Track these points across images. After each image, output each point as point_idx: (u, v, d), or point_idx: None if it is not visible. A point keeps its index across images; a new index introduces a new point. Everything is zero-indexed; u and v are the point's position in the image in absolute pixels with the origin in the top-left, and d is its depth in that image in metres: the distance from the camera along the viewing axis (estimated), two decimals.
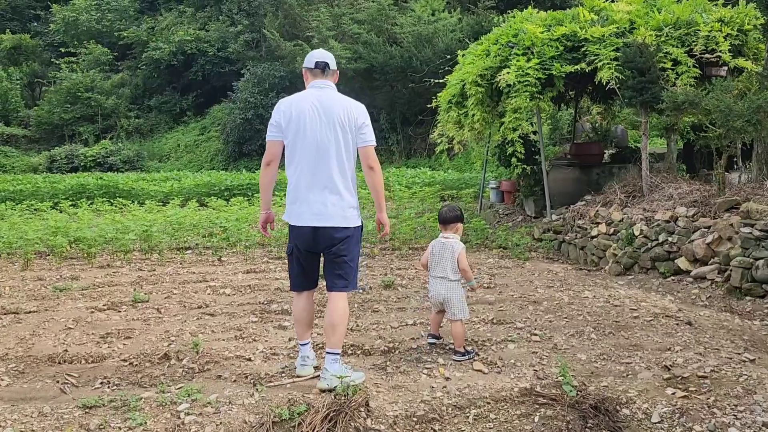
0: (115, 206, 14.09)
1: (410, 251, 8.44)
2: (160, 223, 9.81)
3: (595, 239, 7.86)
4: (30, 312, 5.54)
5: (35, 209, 13.63)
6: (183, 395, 3.41)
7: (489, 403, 3.25)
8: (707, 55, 7.57)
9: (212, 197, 14.68)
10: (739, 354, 4.08)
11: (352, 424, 3.03)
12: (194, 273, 7.25)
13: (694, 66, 7.71)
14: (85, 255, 8.07)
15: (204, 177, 17.66)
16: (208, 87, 30.39)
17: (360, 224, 3.72)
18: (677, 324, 4.80)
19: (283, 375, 3.81)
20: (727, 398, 3.24)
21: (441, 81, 11.46)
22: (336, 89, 3.79)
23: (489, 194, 12.48)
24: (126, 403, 3.33)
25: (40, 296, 6.15)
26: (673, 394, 3.34)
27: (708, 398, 3.25)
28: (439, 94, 11.06)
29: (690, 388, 3.43)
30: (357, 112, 3.68)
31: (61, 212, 13.02)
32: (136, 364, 4.10)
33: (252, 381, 3.72)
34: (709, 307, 5.56)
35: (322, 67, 3.73)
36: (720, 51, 7.60)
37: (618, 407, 3.14)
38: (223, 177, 17.23)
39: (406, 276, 6.76)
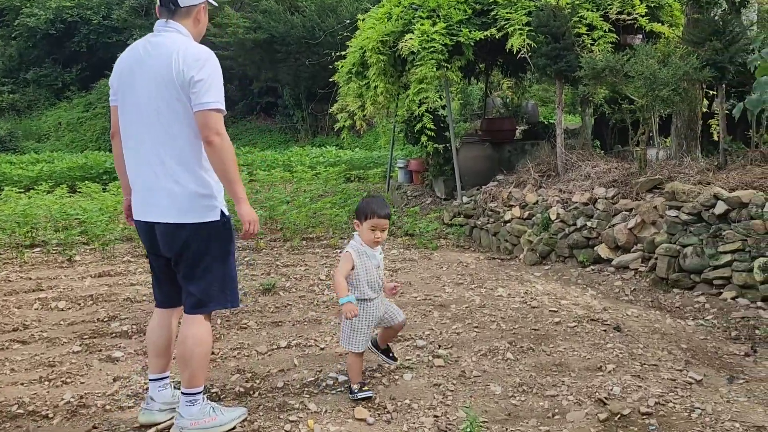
0: None
1: (304, 242, 7.36)
2: (6, 214, 8.18)
3: (508, 224, 7.09)
4: None
5: None
6: None
7: None
8: (624, 17, 6.89)
9: (87, 182, 12.89)
10: (681, 371, 3.33)
11: None
12: (30, 279, 5.84)
13: (610, 31, 7.03)
14: None
15: (80, 159, 15.64)
16: (95, 59, 27.53)
17: (219, 219, 2.65)
18: (605, 330, 4.03)
19: None
20: None
21: (344, 53, 10.34)
22: (184, 33, 2.66)
23: (397, 174, 11.56)
24: None
25: None
26: None
27: None
28: (338, 64, 9.94)
29: None
30: (188, 62, 2.54)
31: None
32: None
33: None
34: (635, 303, 4.87)
35: (165, 4, 2.65)
36: (636, 14, 6.95)
37: None
38: (101, 159, 15.29)
39: (292, 276, 5.68)
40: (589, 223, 6.01)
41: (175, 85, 2.53)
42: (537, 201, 6.90)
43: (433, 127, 7.78)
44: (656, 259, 5.24)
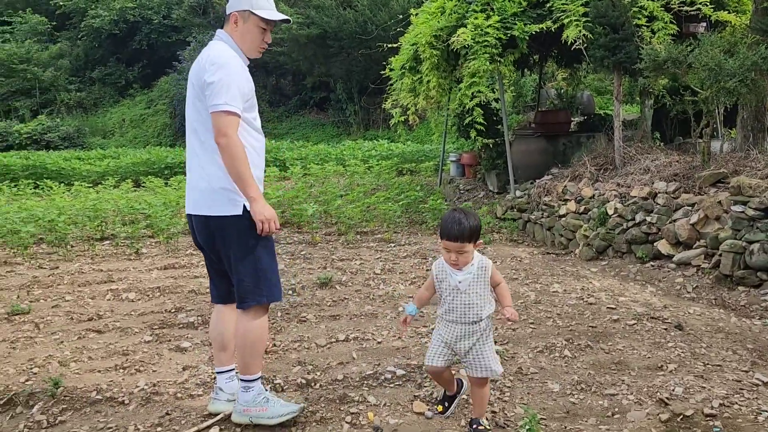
0: (41, 189, 12.74)
1: (358, 237, 7.47)
2: (76, 209, 8.62)
3: (563, 219, 7.00)
4: None
5: None
6: None
7: None
8: (686, 8, 6.67)
9: (150, 177, 13.41)
10: (747, 372, 3.25)
11: None
12: (101, 271, 6.16)
13: (671, 22, 6.81)
14: None
15: (143, 154, 16.27)
16: (155, 57, 28.52)
17: (241, 213, 2.72)
18: (665, 329, 3.96)
19: (158, 430, 2.83)
20: None
21: (395, 45, 10.37)
22: (224, 39, 2.81)
23: (449, 168, 11.54)
24: None
25: None
26: None
27: None
28: (391, 59, 9.99)
29: None
30: (206, 65, 2.69)
31: None
32: None
33: None
34: (697, 301, 4.75)
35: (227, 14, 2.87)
36: (700, 3, 6.70)
37: None
38: (163, 154, 15.87)
39: (348, 270, 5.79)
40: (648, 218, 5.88)
41: (200, 87, 2.70)
42: (593, 195, 6.78)
43: (482, 121, 7.73)
44: (720, 255, 5.08)
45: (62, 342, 4.11)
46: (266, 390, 2.85)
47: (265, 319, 2.84)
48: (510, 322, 2.75)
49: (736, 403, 2.85)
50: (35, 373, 3.57)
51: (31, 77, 27.49)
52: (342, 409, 2.96)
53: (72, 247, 7.25)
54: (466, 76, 7.62)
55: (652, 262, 5.72)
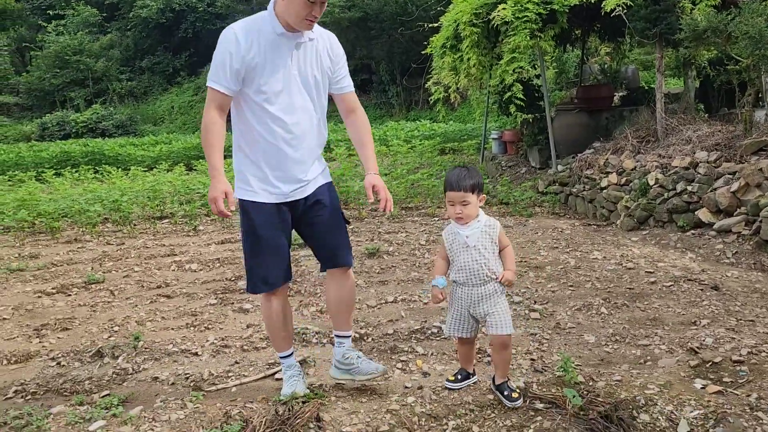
0: (100, 174, 13.45)
1: (403, 212, 7.74)
2: (136, 190, 9.15)
3: (604, 191, 7.10)
4: None
5: (18, 180, 13.03)
6: (101, 409, 2.78)
7: (472, 410, 2.60)
8: None
9: (201, 160, 13.95)
10: None
11: None
12: (164, 246, 6.61)
13: None
14: (50, 230, 7.45)
15: (193, 139, 16.88)
16: (201, 45, 29.18)
17: (241, 199, 2.72)
18: (701, 289, 4.11)
19: (229, 375, 3.18)
20: None
21: (436, 25, 10.51)
22: (269, 9, 2.60)
23: (491, 146, 11.66)
24: (31, 422, 2.71)
25: None
26: (704, 388, 2.67)
27: (749, 394, 2.58)
28: (432, 38, 10.14)
29: (724, 379, 2.76)
30: None
31: (42, 182, 12.40)
32: (64, 365, 3.49)
33: (192, 383, 3.10)
34: (736, 266, 4.84)
35: None
36: None
37: (635, 412, 2.47)
38: None
39: (394, 241, 6.07)
40: (689, 188, 5.95)
41: None
42: (635, 167, 6.86)
43: (522, 96, 7.84)
44: (760, 221, 5.14)
45: (136, 306, 4.53)
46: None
47: (265, 305, 2.82)
48: (507, 286, 2.66)
49: (764, 351, 3.01)
50: (116, 331, 3.98)
51: (84, 68, 28.58)
52: (393, 357, 3.26)
53: (135, 225, 7.74)
54: (507, 52, 7.74)
55: (692, 231, 5.80)
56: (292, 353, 2.92)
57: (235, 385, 3.04)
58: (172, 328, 3.97)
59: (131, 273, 5.51)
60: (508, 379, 2.70)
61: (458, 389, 2.78)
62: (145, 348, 3.61)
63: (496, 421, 2.49)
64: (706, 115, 8.21)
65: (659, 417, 2.45)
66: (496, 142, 11.28)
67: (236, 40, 2.50)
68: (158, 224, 7.81)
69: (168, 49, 30.32)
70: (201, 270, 5.50)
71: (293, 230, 2.85)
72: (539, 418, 2.50)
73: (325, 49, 2.71)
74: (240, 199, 2.69)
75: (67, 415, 2.75)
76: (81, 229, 7.66)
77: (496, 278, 2.64)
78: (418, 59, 17.30)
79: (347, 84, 2.84)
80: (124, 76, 29.77)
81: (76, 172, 13.67)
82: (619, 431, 2.35)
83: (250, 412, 2.67)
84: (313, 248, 2.90)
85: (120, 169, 13.67)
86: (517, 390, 2.66)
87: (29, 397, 3.12)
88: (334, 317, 2.95)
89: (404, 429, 2.50)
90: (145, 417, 2.71)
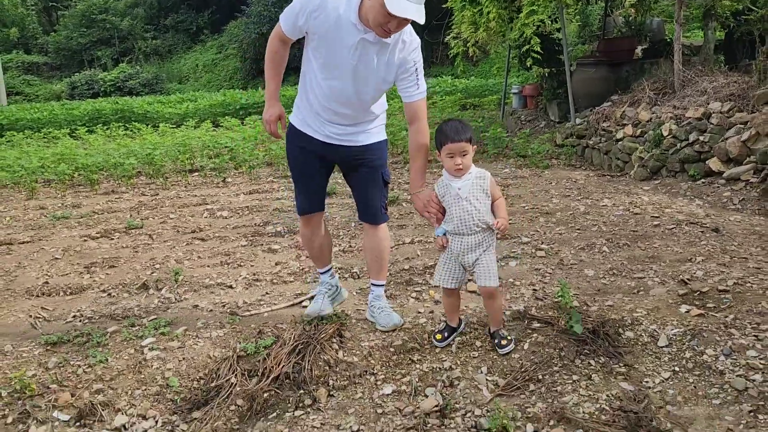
0: (130, 131, 13.88)
1: None
2: (167, 145, 9.54)
3: (620, 142, 7.26)
4: (23, 243, 5.38)
5: (53, 137, 13.54)
6: (151, 329, 3.18)
7: (476, 329, 2.93)
8: None
9: (227, 117, 14.30)
10: None
11: (322, 356, 2.75)
12: (196, 196, 7.00)
13: None
14: (89, 182, 7.89)
15: (218, 97, 17.20)
16: (223, 2, 29.28)
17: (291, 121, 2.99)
18: (702, 231, 4.35)
19: (261, 303, 3.55)
20: (749, 315, 2.84)
21: None
22: None
23: (512, 101, 11.76)
24: (91, 339, 3.12)
25: (37, 226, 5.99)
26: (688, 312, 2.95)
27: (726, 316, 2.86)
28: None
29: (708, 305, 3.04)
30: None
31: (76, 139, 12.88)
32: (114, 295, 3.90)
33: (229, 310, 3.48)
34: (741, 211, 5.05)
35: None
36: None
37: (621, 330, 2.77)
38: (237, 96, 16.75)
39: None
40: (701, 138, 6.10)
41: None
42: (650, 119, 6.99)
43: (539, 50, 7.93)
44: None
45: (174, 247, 4.93)
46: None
47: (300, 227, 3.16)
48: (501, 233, 2.70)
49: (750, 282, 3.27)
50: (157, 268, 4.38)
51: (110, 26, 28.92)
52: (408, 289, 3.59)
53: (167, 177, 8.14)
54: (526, 4, 7.83)
55: (703, 180, 5.98)
56: (326, 270, 3.19)
57: (267, 312, 3.41)
58: (208, 266, 4.36)
59: (167, 220, 5.91)
60: (502, 327, 2.83)
61: (446, 345, 2.83)
62: (185, 281, 4.00)
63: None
64: (726, 66, 8.23)
65: (642, 334, 2.76)
66: (517, 97, 11.39)
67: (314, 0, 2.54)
68: (189, 177, 8.20)
69: (191, 6, 30.43)
70: (231, 217, 5.88)
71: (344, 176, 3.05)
72: (535, 334, 2.82)
73: (396, 56, 2.64)
74: (290, 125, 2.90)
75: (121, 333, 3.15)
76: (117, 182, 8.09)
77: (488, 228, 2.68)
78: (439, 14, 17.20)
79: (412, 93, 2.72)
80: (149, 35, 30.06)
81: (108, 129, 14.13)
82: (605, 344, 2.66)
83: (281, 330, 3.04)
84: (354, 197, 3.10)
85: (149, 126, 14.09)
86: (508, 337, 2.77)
87: (86, 321, 3.52)
88: (368, 265, 3.18)
89: (415, 344, 2.84)
90: (189, 335, 3.10)
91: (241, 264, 4.34)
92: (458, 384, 2.57)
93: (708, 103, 6.36)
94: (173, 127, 13.44)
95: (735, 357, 2.53)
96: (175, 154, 8.96)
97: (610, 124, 7.64)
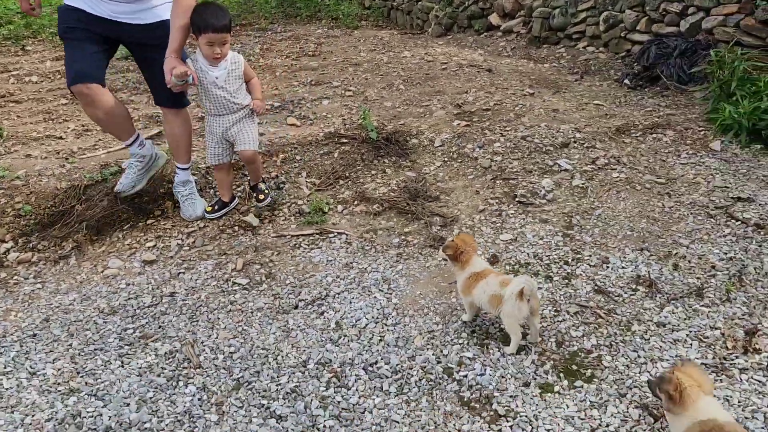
0: None
1: (238, 27, 8.11)
2: None
3: (420, 2, 7.97)
4: None
5: None
6: None
7: (296, 147, 3.54)
8: None
9: None
10: (522, 90, 4.64)
11: (166, 178, 3.20)
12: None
13: None
14: None
15: None
16: None
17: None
18: (478, 72, 5.27)
19: (96, 148, 3.82)
20: (500, 123, 3.77)
21: None
22: None
23: None
24: None
25: None
26: (458, 124, 3.82)
27: (484, 124, 3.76)
28: None
29: (474, 120, 3.93)
30: None
31: None
32: None
33: (64, 156, 3.71)
34: (511, 57, 6.08)
35: None
36: None
37: (408, 138, 3.56)
38: None
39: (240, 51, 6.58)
40: None
41: None
42: None
43: None
44: (533, 21, 6.37)
45: None
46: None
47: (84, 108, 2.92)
48: (258, 113, 2.93)
49: (505, 102, 4.23)
50: None
51: None
52: None
53: None
54: None
55: (485, 33, 6.95)
56: (132, 141, 2.99)
57: (104, 153, 3.70)
58: (31, 123, 4.41)
59: None
60: (261, 182, 3.07)
61: (217, 218, 3.01)
62: (11, 137, 4.07)
63: (313, 151, 3.47)
64: None
65: (424, 140, 3.57)
66: None
67: None
68: None
69: None
70: (42, 81, 5.72)
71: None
72: (343, 147, 3.51)
73: None
74: (62, 5, 2.77)
75: None
76: None
77: (245, 107, 2.85)
78: None
79: None
80: None
81: None
82: (396, 148, 3.43)
83: (123, 163, 3.40)
84: (146, 81, 3.02)
85: None
86: (265, 191, 3.03)
87: None
88: (170, 149, 3.13)
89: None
90: (31, 174, 3.34)
91: (67, 119, 4.46)
92: (284, 186, 3.20)
93: None
94: None
95: (485, 148, 3.44)
96: None
97: None
